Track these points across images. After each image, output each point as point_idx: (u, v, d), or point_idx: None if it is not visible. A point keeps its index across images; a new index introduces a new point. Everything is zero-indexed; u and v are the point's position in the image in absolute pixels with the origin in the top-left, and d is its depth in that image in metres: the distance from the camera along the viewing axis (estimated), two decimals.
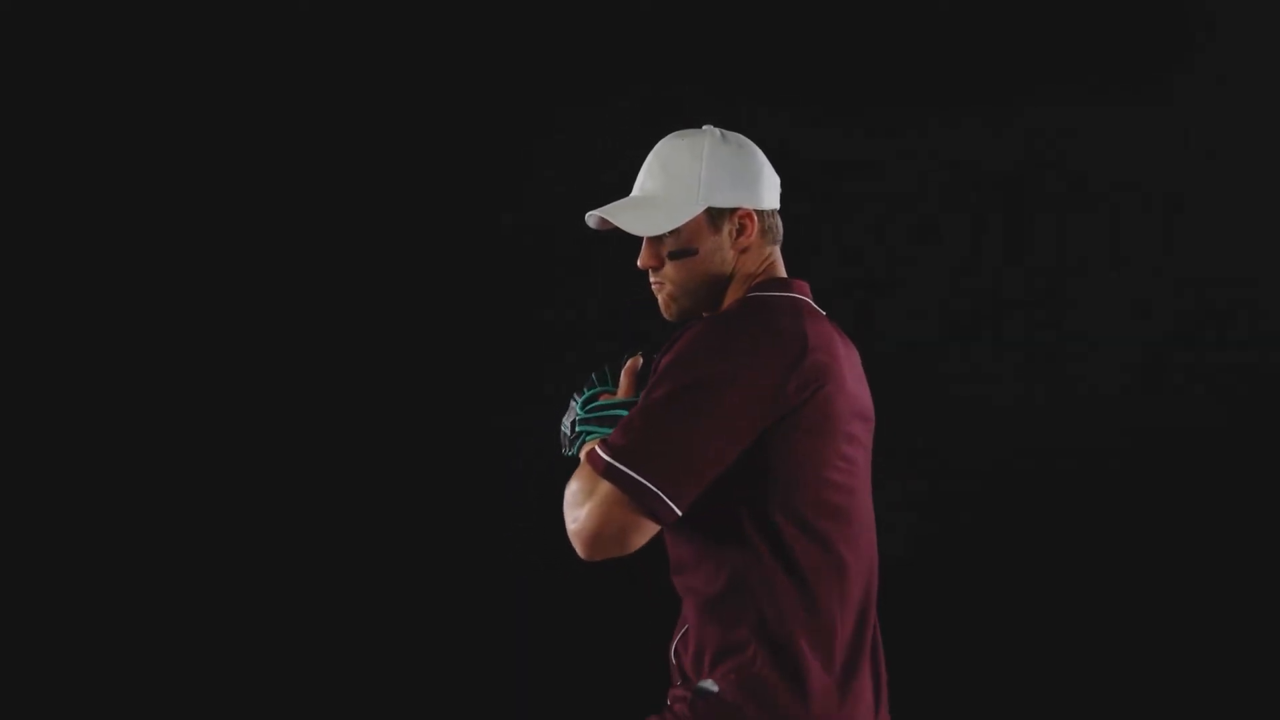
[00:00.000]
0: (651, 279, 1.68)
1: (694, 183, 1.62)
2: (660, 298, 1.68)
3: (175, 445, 3.24)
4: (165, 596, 3.24)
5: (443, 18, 3.28)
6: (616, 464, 1.45)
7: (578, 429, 1.63)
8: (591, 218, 1.68)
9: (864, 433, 1.62)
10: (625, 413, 1.56)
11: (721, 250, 1.64)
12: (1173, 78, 3.24)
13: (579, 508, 1.48)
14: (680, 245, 1.63)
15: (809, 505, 1.51)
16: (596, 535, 1.45)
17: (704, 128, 1.69)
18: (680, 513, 1.45)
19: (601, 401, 1.64)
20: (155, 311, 3.23)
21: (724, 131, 1.69)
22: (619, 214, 1.64)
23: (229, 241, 3.26)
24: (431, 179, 3.30)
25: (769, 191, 1.68)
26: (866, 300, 3.26)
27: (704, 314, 1.65)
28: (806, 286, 1.67)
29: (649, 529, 1.46)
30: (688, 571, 1.58)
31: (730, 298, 1.64)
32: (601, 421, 1.60)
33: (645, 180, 1.68)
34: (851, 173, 3.28)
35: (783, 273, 1.69)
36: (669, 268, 1.64)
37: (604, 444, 1.47)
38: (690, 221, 1.62)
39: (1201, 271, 3.26)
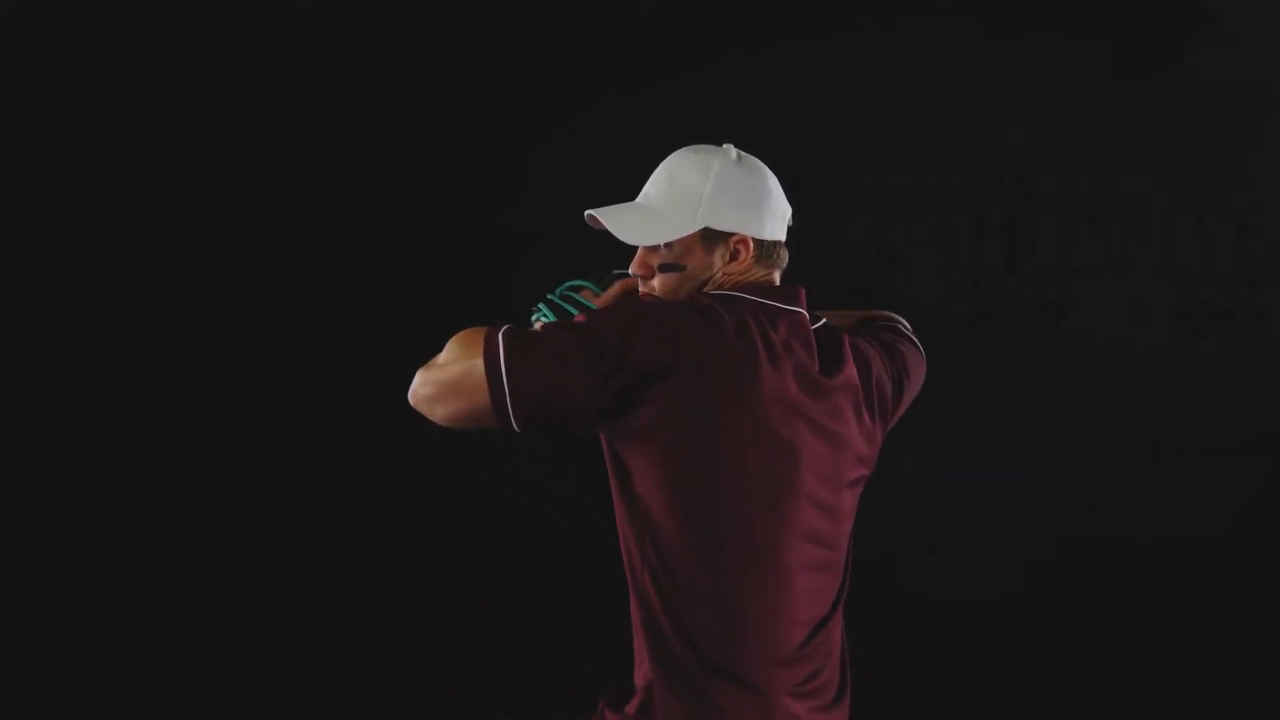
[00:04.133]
0: (641, 287, 1.67)
1: (696, 201, 1.59)
2: None
3: (167, 433, 3.24)
4: (160, 589, 3.24)
5: (443, 18, 3.28)
6: (500, 345, 1.45)
7: (538, 304, 1.66)
8: (589, 217, 1.65)
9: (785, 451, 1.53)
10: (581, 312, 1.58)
11: (710, 271, 1.61)
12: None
13: (449, 356, 1.49)
14: (670, 260, 1.60)
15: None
16: (441, 384, 1.47)
17: (723, 146, 1.64)
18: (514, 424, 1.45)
19: (573, 294, 1.67)
20: (154, 311, 3.24)
21: (741, 153, 1.64)
22: (613, 218, 1.61)
23: (228, 240, 3.26)
24: (435, 180, 3.30)
25: (773, 221, 1.63)
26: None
27: None
28: (793, 294, 1.61)
29: (474, 412, 1.46)
30: None
31: None
32: (557, 309, 1.63)
33: (651, 188, 1.64)
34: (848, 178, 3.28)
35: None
36: (657, 279, 1.62)
37: (510, 329, 1.48)
38: (684, 238, 1.59)
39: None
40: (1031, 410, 3.29)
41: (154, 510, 3.25)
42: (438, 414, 1.49)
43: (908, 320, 1.98)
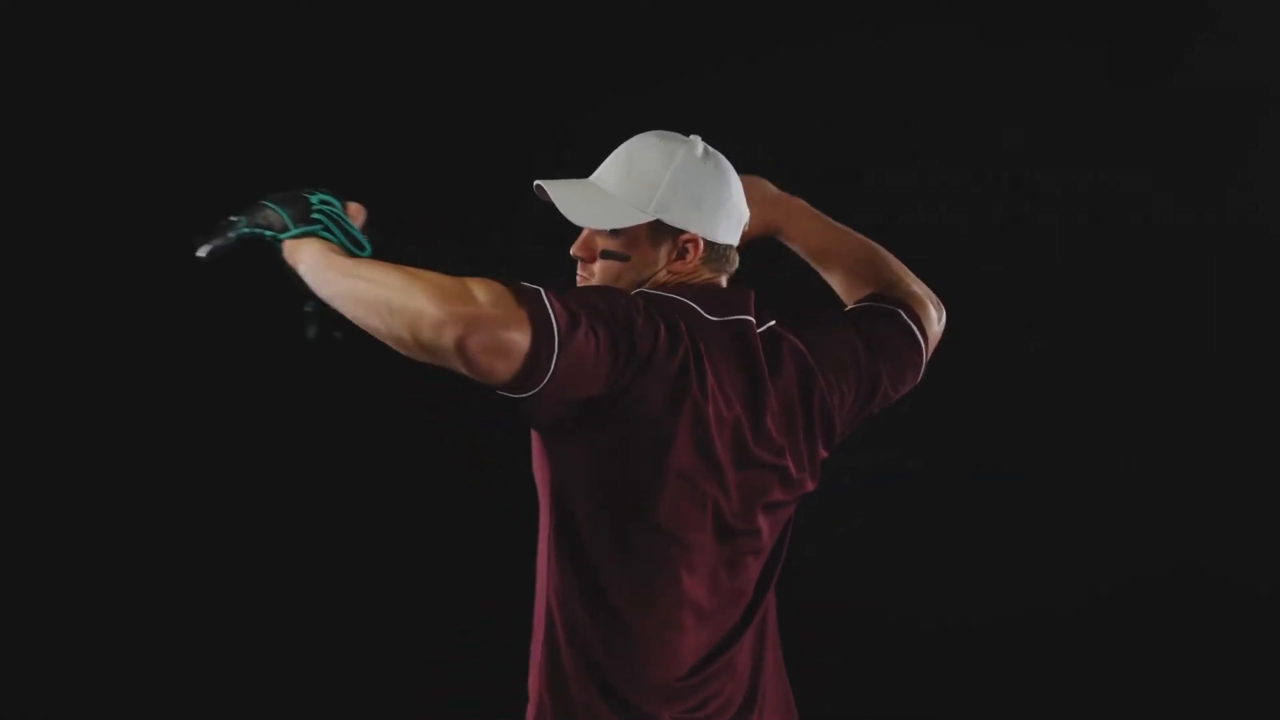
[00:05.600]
0: (579, 270, 1.60)
1: (651, 190, 1.51)
2: None
3: (166, 434, 3.23)
4: (159, 589, 3.23)
5: (441, 18, 3.28)
6: (543, 298, 1.36)
7: (312, 215, 1.56)
8: (537, 187, 1.58)
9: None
10: (355, 235, 1.53)
11: (653, 266, 1.53)
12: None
13: (489, 297, 1.36)
14: (615, 248, 1.53)
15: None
16: (477, 319, 1.33)
17: (690, 137, 1.57)
18: (543, 383, 1.34)
19: (333, 210, 1.57)
20: (153, 311, 3.23)
21: (708, 148, 1.57)
22: (562, 192, 1.55)
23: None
24: (435, 180, 3.29)
25: (728, 223, 1.55)
26: None
27: None
28: (740, 299, 1.54)
29: (515, 355, 1.33)
30: None
31: None
32: (338, 223, 1.55)
33: (607, 169, 1.57)
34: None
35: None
36: (598, 265, 1.55)
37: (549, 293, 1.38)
38: (633, 228, 1.52)
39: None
40: (1032, 411, 3.29)
41: (154, 509, 3.24)
42: (470, 341, 1.31)
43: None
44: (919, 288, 1.88)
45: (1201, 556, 3.24)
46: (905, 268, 1.90)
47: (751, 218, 1.67)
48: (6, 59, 3.17)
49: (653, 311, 1.43)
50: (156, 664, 3.22)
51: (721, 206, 1.54)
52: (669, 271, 1.54)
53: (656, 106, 3.37)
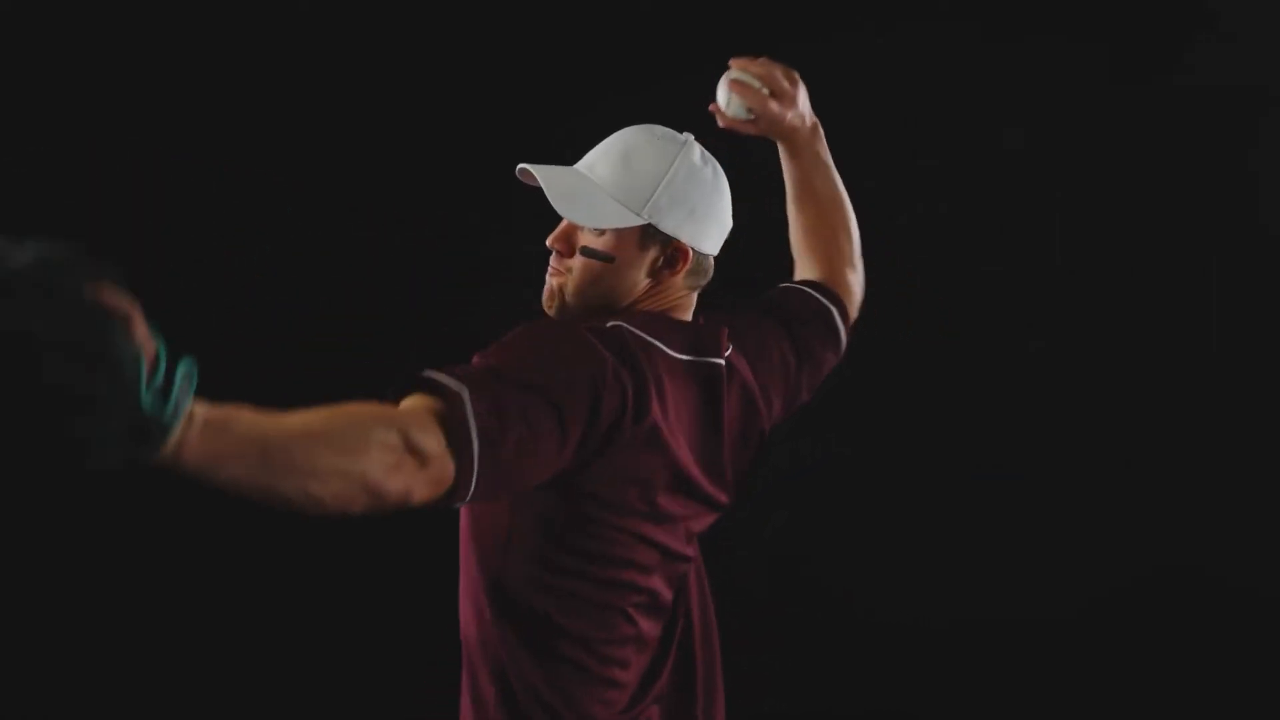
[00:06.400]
0: (553, 262, 1.48)
1: (648, 192, 1.41)
2: (550, 284, 1.47)
3: None
4: (159, 589, 3.23)
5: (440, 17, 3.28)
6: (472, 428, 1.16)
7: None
8: (523, 171, 1.48)
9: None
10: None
11: (637, 272, 1.44)
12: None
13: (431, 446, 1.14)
14: (600, 246, 1.43)
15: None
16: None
17: (684, 136, 1.49)
18: (466, 499, 1.23)
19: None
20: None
21: (704, 151, 1.50)
22: (554, 183, 1.44)
23: (226, 241, 3.26)
24: (435, 180, 3.29)
25: (716, 235, 1.49)
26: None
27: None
28: (714, 339, 1.47)
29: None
30: None
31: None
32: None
33: (600, 161, 1.47)
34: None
35: (687, 315, 1.50)
36: (578, 261, 1.45)
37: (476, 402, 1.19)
38: (624, 229, 1.42)
39: None
40: (1032, 411, 3.29)
41: (153, 509, 3.24)
42: (414, 498, 1.20)
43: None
44: (857, 276, 1.84)
45: (1201, 556, 3.24)
46: (857, 242, 1.87)
47: (774, 119, 1.60)
48: (6, 59, 3.17)
49: (620, 374, 1.29)
50: (156, 664, 3.22)
51: (713, 216, 1.47)
52: (652, 281, 1.45)
53: (657, 106, 3.38)
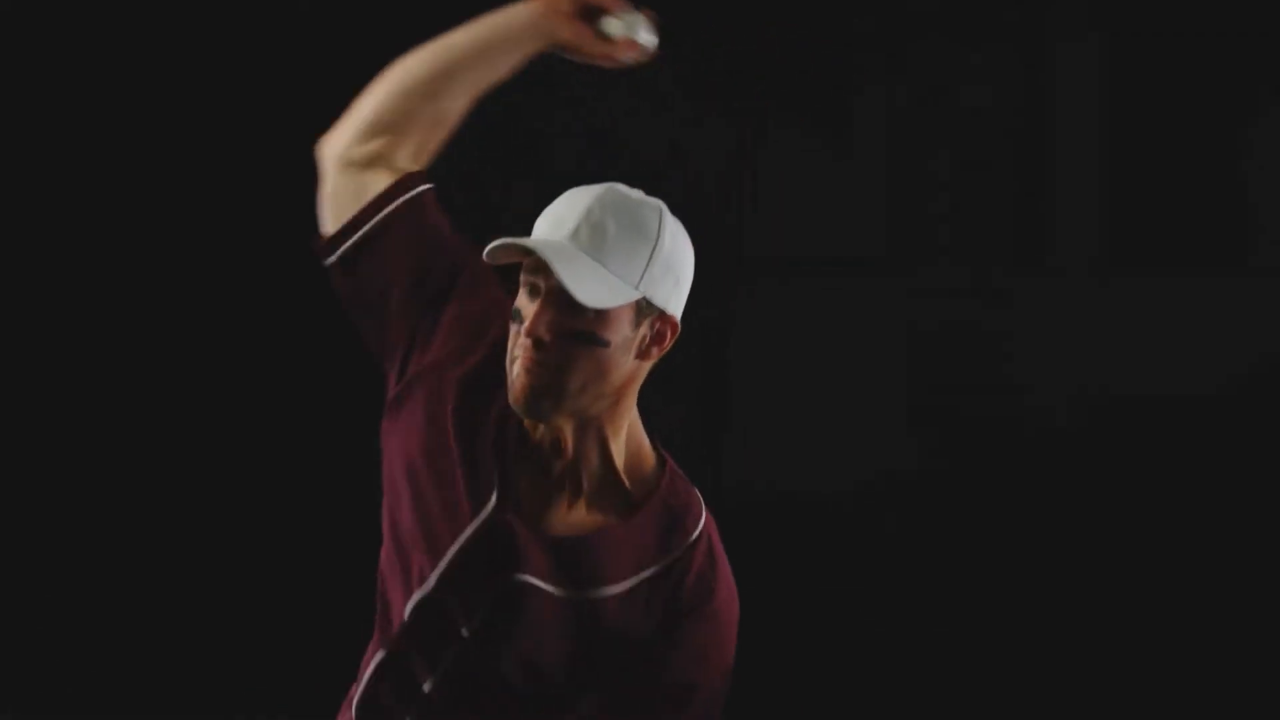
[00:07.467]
0: (529, 351, 1.21)
1: (642, 262, 1.22)
2: (522, 378, 1.21)
3: (164, 434, 3.24)
4: (158, 589, 3.24)
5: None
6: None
7: None
8: (506, 247, 1.21)
9: None
10: None
11: (627, 354, 1.23)
12: None
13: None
14: (597, 329, 1.20)
15: None
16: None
17: (649, 198, 1.26)
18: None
19: None
20: (150, 311, 3.23)
21: (669, 213, 1.26)
22: (566, 263, 1.19)
23: (225, 242, 3.26)
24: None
25: (685, 301, 1.29)
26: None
27: (565, 435, 1.25)
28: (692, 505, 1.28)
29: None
30: None
31: (610, 429, 1.25)
32: None
33: (587, 230, 1.22)
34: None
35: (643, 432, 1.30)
36: (566, 350, 1.20)
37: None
38: (621, 307, 1.21)
39: None
40: (1034, 411, 3.29)
41: (152, 509, 3.24)
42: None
43: None
44: None
45: (1196, 555, 3.24)
46: None
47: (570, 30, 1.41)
48: (7, 59, 3.17)
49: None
50: (155, 663, 3.22)
51: (686, 280, 1.28)
52: (636, 363, 1.25)
53: (657, 106, 3.38)
